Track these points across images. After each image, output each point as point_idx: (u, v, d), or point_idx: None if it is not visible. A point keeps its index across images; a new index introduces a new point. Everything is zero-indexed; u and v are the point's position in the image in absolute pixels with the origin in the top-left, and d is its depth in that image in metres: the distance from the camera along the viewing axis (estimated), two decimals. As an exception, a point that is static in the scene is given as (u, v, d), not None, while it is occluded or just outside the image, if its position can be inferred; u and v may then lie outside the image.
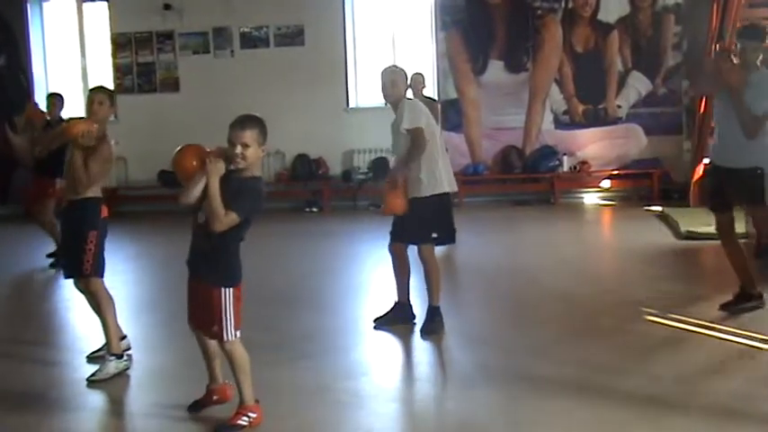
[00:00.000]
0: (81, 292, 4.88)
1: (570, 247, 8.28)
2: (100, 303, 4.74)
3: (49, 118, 8.09)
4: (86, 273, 4.67)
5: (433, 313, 5.30)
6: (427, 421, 3.91)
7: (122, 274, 7.56)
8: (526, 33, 11.65)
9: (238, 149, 3.66)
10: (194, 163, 3.77)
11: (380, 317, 5.46)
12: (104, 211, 4.91)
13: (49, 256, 8.24)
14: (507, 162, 11.66)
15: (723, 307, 5.46)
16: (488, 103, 11.71)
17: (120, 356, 4.69)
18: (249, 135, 3.69)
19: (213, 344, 3.92)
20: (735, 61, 5.35)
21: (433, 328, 5.24)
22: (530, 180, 11.68)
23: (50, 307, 6.80)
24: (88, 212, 4.75)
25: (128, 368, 4.70)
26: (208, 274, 3.78)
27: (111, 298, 4.80)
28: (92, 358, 4.89)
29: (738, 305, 5.46)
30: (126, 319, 6.16)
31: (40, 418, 4.14)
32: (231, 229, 3.70)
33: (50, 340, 5.65)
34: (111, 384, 4.57)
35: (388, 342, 5.26)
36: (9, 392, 4.48)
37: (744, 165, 5.27)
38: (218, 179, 3.61)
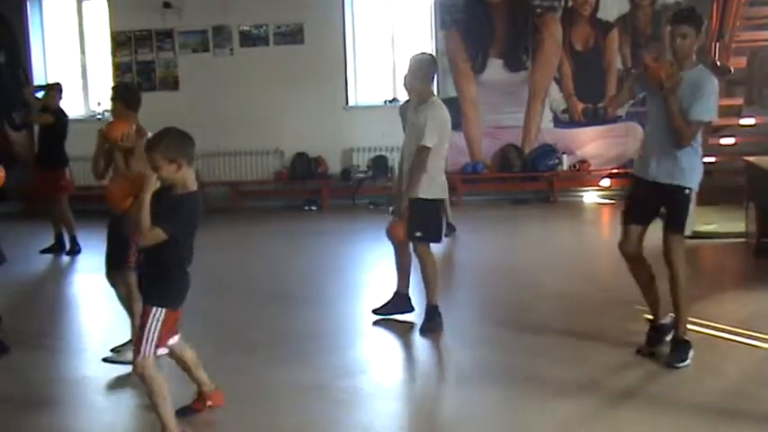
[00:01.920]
0: (112, 285, 5.13)
1: (570, 247, 8.28)
2: (134, 296, 4.80)
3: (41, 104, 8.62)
4: (130, 266, 4.83)
5: (432, 312, 5.31)
6: (426, 419, 3.91)
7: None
8: (526, 32, 11.64)
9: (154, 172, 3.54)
10: (126, 200, 3.68)
11: (379, 307, 5.56)
12: None
13: (44, 251, 8.44)
14: (507, 161, 11.65)
15: (639, 352, 4.70)
16: (488, 102, 11.70)
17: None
18: (155, 157, 3.51)
19: (188, 354, 3.99)
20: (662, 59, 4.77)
21: (432, 327, 5.25)
22: (529, 179, 11.67)
23: (51, 305, 6.80)
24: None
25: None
26: (145, 289, 3.69)
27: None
28: (115, 351, 5.00)
29: (653, 346, 4.70)
30: (124, 315, 6.17)
31: (43, 417, 4.15)
32: (168, 249, 3.53)
33: (51, 339, 5.65)
34: (117, 384, 4.58)
35: (387, 340, 5.26)
36: (13, 391, 4.49)
37: (667, 181, 4.53)
38: (149, 194, 3.47)
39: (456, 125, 11.68)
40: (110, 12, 12.13)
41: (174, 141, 3.57)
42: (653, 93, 4.60)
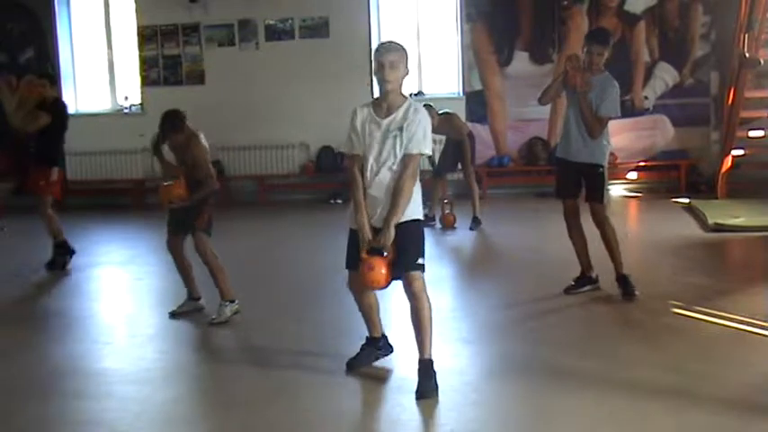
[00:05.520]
0: (171, 253, 5.66)
1: (596, 240, 8.21)
2: (209, 258, 5.50)
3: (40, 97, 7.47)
4: (200, 227, 5.47)
5: (429, 369, 4.11)
6: (451, 413, 3.91)
7: (148, 265, 7.63)
8: (552, 24, 11.57)
9: None
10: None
11: (352, 358, 4.48)
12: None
13: (50, 266, 7.51)
14: (532, 154, 11.60)
15: (566, 290, 5.88)
16: (513, 95, 11.64)
17: (232, 301, 5.51)
18: None
19: None
20: (580, 64, 5.67)
21: (430, 388, 4.05)
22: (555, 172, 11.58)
23: (73, 298, 6.87)
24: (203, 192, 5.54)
25: (238, 311, 5.51)
26: None
27: (216, 254, 5.54)
28: (175, 314, 5.62)
29: (578, 288, 5.90)
30: (149, 308, 6.23)
31: (69, 407, 4.19)
32: None
33: (75, 332, 5.71)
34: (143, 375, 4.62)
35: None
36: (41, 382, 4.54)
37: (585, 160, 5.71)
38: None
39: (481, 118, 11.73)
40: (136, 6, 12.23)
41: None
42: (571, 92, 5.73)
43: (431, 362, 4.11)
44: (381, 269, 4.01)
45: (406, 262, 4.06)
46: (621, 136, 11.49)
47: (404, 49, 4.08)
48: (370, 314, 4.49)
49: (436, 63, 11.96)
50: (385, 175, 4.09)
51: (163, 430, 3.94)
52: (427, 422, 3.91)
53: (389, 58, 4.01)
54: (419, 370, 4.09)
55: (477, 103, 11.67)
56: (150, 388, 4.44)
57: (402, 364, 4.57)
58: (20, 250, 8.84)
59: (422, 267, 4.09)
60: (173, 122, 5.41)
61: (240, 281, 5.94)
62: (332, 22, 11.83)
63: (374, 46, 11.84)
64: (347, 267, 4.28)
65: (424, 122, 4.08)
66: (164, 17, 12.15)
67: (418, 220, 4.16)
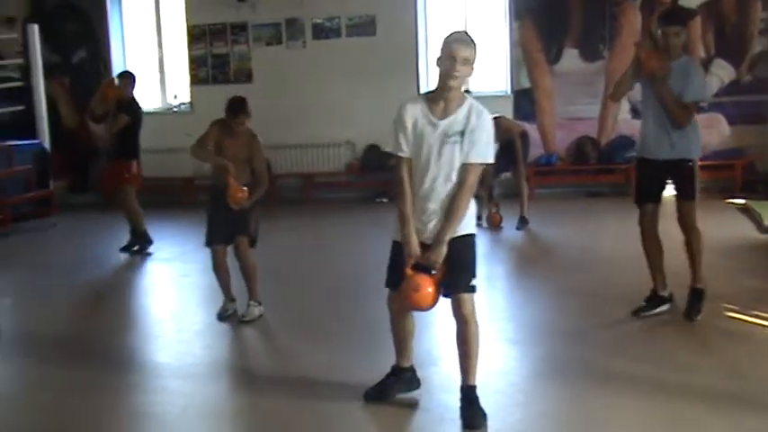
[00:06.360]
0: (239, 257, 5.63)
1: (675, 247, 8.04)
2: (251, 262, 5.61)
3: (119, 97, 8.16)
4: (251, 234, 5.60)
5: (474, 397, 3.75)
6: (497, 414, 3.83)
7: (194, 263, 7.68)
8: (603, 20, 11.39)
9: None
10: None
11: (374, 389, 4.01)
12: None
13: (125, 249, 8.19)
14: (582, 152, 11.43)
15: (635, 312, 5.28)
16: (562, 93, 11.49)
17: (259, 303, 5.59)
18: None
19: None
20: (655, 48, 5.14)
21: (477, 415, 3.70)
22: (605, 171, 11.42)
23: (125, 294, 6.95)
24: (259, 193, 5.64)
25: (262, 314, 5.58)
26: None
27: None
28: (223, 317, 5.62)
29: (651, 310, 5.31)
30: (195, 304, 6.27)
31: (118, 400, 4.23)
32: None
33: (126, 327, 5.77)
34: (190, 370, 4.64)
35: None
36: (91, 376, 4.59)
37: (674, 156, 5.13)
38: None
39: (530, 116, 11.59)
40: (186, 6, 12.36)
41: None
42: (647, 82, 5.10)
43: (475, 388, 3.75)
44: (428, 289, 3.60)
45: (458, 283, 3.63)
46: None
47: (476, 47, 3.70)
48: (405, 340, 3.97)
49: (484, 61, 11.85)
50: (441, 186, 3.63)
51: (208, 424, 3.97)
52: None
53: (465, 53, 3.62)
54: (464, 397, 3.71)
55: (525, 101, 11.55)
56: (196, 382, 4.46)
57: (447, 365, 4.52)
58: (70, 246, 8.99)
59: (474, 289, 3.67)
60: (244, 105, 5.45)
61: (283, 278, 5.95)
62: (378, 20, 11.81)
63: (420, 44, 11.87)
64: (388, 286, 3.82)
65: (488, 127, 3.64)
66: (212, 16, 12.26)
67: (472, 234, 3.73)
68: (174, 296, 6.79)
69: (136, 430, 3.94)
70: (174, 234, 9.77)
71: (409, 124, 3.65)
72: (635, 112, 11.38)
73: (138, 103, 8.46)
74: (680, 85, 4.96)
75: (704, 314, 5.22)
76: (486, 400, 3.84)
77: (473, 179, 3.62)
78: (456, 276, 3.64)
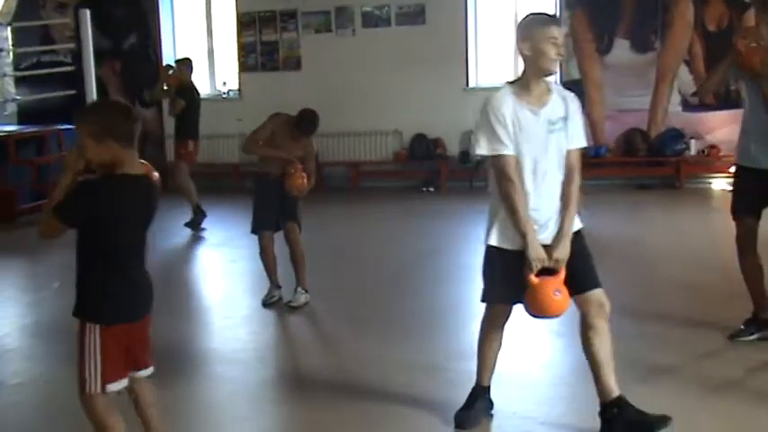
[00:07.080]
0: (289, 242, 5.70)
1: (695, 234, 7.95)
2: (300, 248, 5.68)
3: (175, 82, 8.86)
4: (298, 218, 5.68)
5: (628, 408, 3.53)
6: (542, 407, 3.84)
7: (242, 248, 7.78)
8: (655, 11, 11.21)
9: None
10: None
11: (464, 413, 3.70)
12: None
13: (187, 225, 8.63)
14: (631, 144, 11.28)
15: (732, 337, 4.65)
16: (613, 84, 11.35)
17: (306, 291, 5.65)
18: (79, 132, 2.90)
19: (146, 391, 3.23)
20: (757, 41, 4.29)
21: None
22: (654, 164, 11.27)
23: (174, 280, 7.07)
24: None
25: (307, 302, 5.63)
26: (76, 300, 3.09)
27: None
28: (267, 304, 5.70)
29: (750, 334, 4.65)
30: (242, 290, 6.36)
31: (168, 387, 4.33)
32: (84, 246, 3.03)
33: (175, 313, 5.88)
34: (239, 356, 4.72)
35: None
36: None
37: None
38: (70, 176, 2.89)
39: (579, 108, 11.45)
40: (236, -6, 12.45)
41: (100, 115, 2.96)
42: (749, 79, 4.38)
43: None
44: (564, 291, 3.36)
45: (592, 278, 3.45)
46: (724, 129, 11.07)
47: None
48: (493, 358, 3.73)
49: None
50: (555, 179, 3.41)
51: (254, 410, 4.03)
52: (514, 413, 3.86)
53: (560, 34, 3.38)
54: (619, 413, 3.45)
55: (574, 91, 11.26)
56: (243, 368, 4.54)
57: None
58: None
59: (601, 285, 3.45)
60: (317, 123, 5.63)
61: (330, 266, 6.00)
62: (428, 9, 11.76)
63: (470, 33, 11.80)
64: (487, 300, 3.65)
65: (580, 109, 3.52)
66: (262, 4, 12.33)
67: (580, 227, 3.52)
68: (222, 282, 6.90)
69: (184, 416, 3.99)
70: (222, 219, 9.89)
71: (508, 117, 3.36)
72: (685, 105, 11.23)
73: (196, 88, 9.09)
74: None
75: (749, 310, 5.11)
76: (527, 392, 3.85)
77: (580, 166, 3.45)
78: (589, 271, 3.48)
